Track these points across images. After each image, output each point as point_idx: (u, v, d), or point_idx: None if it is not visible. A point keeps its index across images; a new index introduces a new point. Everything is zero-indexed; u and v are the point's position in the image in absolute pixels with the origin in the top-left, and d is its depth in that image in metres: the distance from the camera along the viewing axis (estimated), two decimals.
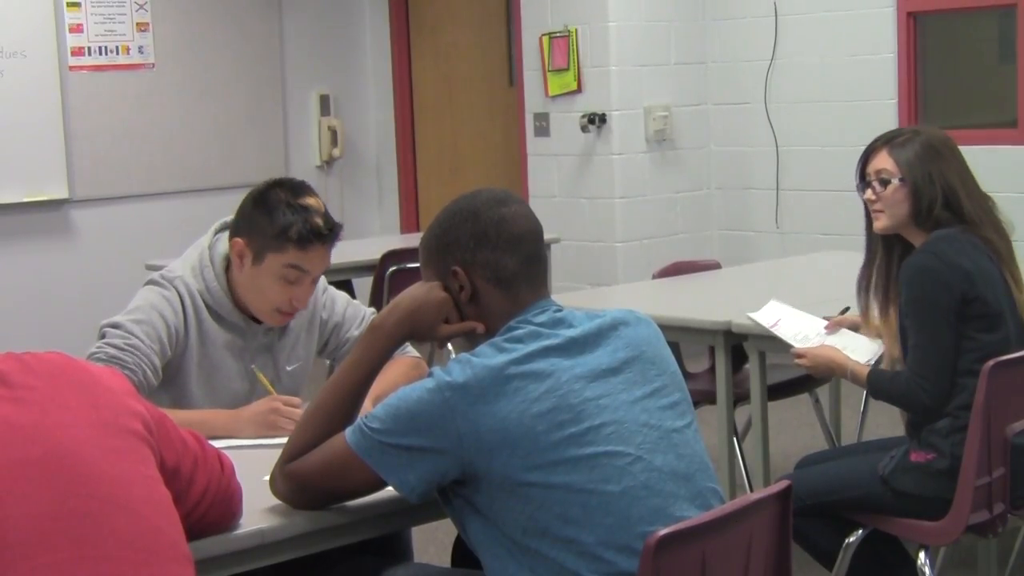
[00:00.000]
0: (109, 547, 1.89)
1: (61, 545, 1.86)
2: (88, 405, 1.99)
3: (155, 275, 3.24)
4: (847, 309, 3.90)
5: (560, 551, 2.26)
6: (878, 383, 3.46)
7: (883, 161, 3.49)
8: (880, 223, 3.51)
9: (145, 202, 8.17)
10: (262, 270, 3.15)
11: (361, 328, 3.38)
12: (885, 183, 3.47)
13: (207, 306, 3.21)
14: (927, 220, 3.43)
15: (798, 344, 3.79)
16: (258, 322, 3.27)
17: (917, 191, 3.43)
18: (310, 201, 3.17)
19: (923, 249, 3.38)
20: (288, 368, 3.34)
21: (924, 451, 3.37)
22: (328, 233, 3.15)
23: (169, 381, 3.19)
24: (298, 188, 3.19)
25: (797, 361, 3.74)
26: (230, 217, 3.27)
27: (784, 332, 3.89)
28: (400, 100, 9.06)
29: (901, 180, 3.45)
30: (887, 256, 3.57)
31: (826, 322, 3.84)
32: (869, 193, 3.51)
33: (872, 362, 3.58)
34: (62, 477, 1.90)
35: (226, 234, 3.25)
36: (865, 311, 3.64)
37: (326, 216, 3.17)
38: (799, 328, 3.89)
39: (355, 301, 3.48)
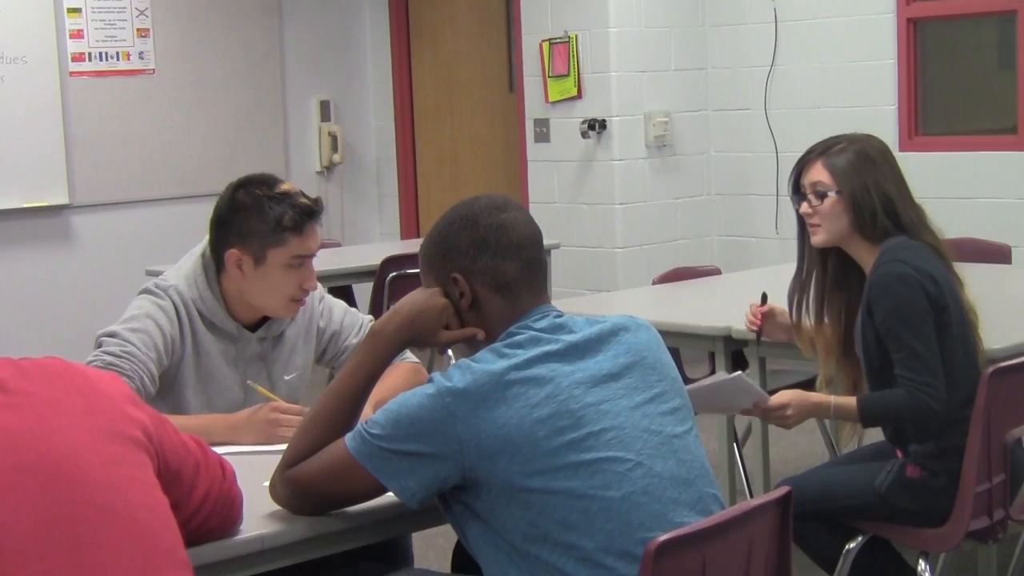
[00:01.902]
0: (106, 554, 1.89)
1: (57, 553, 1.85)
2: (85, 411, 1.98)
3: (149, 284, 3.24)
4: (765, 296, 3.81)
5: (560, 557, 2.26)
6: (873, 406, 3.31)
7: (818, 173, 3.42)
8: (818, 238, 3.44)
9: (145, 208, 8.17)
10: (267, 268, 3.14)
11: (359, 336, 3.37)
12: (822, 196, 3.40)
13: (201, 315, 3.21)
14: (873, 230, 3.36)
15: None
16: (252, 331, 3.27)
17: (855, 203, 3.36)
18: (285, 187, 3.18)
19: (888, 258, 3.31)
20: (285, 378, 3.33)
21: (920, 468, 3.35)
22: (317, 208, 3.18)
23: (166, 390, 3.18)
24: (267, 180, 3.19)
25: (779, 414, 3.35)
26: None
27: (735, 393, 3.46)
28: (400, 106, 9.06)
29: (838, 192, 3.38)
30: (822, 268, 3.51)
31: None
32: (805, 206, 3.44)
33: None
34: (58, 484, 1.89)
35: None
36: (798, 323, 3.57)
37: (305, 194, 3.20)
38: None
39: (352, 309, 3.47)
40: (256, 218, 3.12)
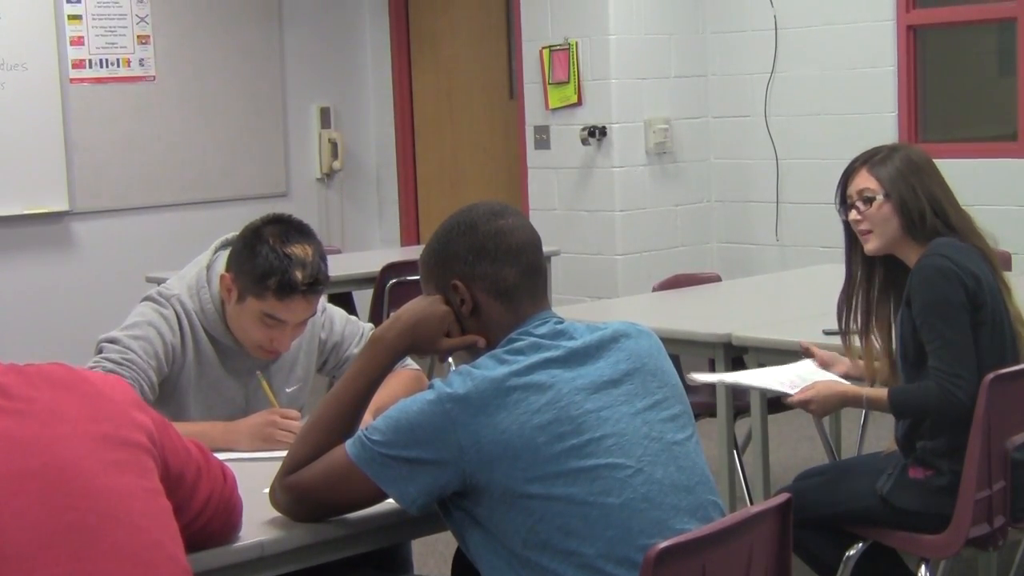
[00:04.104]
0: (108, 561, 1.89)
1: (59, 559, 1.86)
2: (89, 417, 1.98)
3: (152, 292, 3.23)
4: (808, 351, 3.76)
5: (560, 563, 2.25)
6: (904, 398, 3.33)
7: (864, 180, 3.44)
8: (871, 244, 3.44)
9: (145, 214, 8.17)
10: (243, 309, 3.12)
11: (360, 345, 3.36)
12: (869, 201, 3.41)
13: (203, 326, 3.20)
14: (922, 231, 3.38)
15: (793, 390, 3.51)
16: None
17: (904, 205, 3.38)
18: (296, 249, 3.08)
19: (930, 253, 3.33)
20: (287, 390, 3.33)
21: (923, 468, 3.36)
22: (307, 288, 3.07)
23: (167, 398, 3.18)
24: (289, 231, 3.11)
25: (804, 409, 3.49)
26: (232, 234, 3.25)
27: (770, 381, 3.63)
28: (400, 112, 9.07)
29: (886, 196, 3.40)
30: (867, 279, 3.52)
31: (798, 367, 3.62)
32: (853, 214, 3.45)
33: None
34: (61, 490, 1.89)
35: (226, 253, 3.23)
36: (846, 335, 3.56)
37: (310, 266, 3.08)
38: (780, 376, 3.62)
39: (353, 318, 3.46)
40: (249, 260, 3.09)
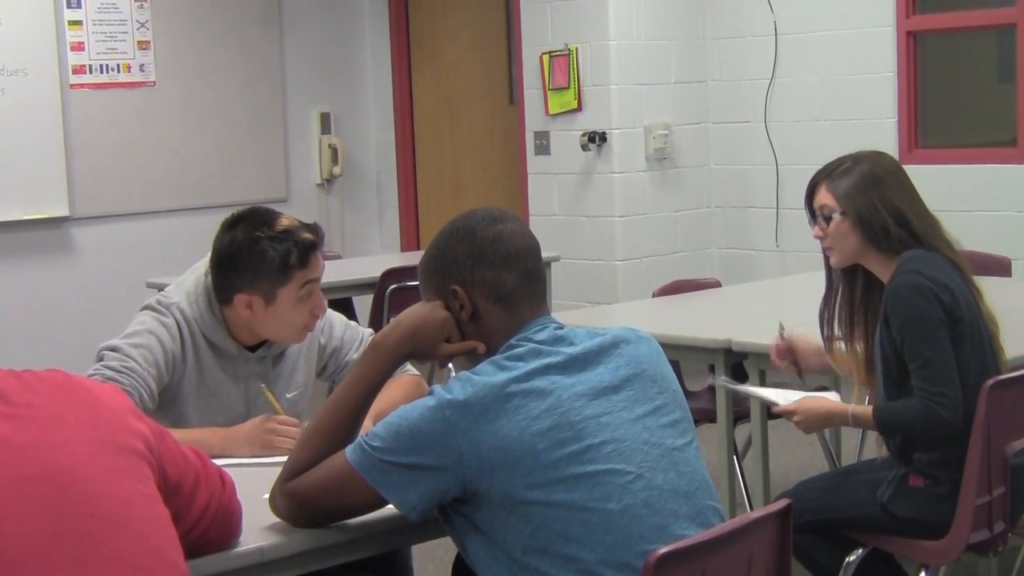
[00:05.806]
0: (108, 566, 1.89)
1: (60, 564, 1.86)
2: (87, 423, 1.99)
3: (152, 300, 3.23)
4: (782, 327, 3.76)
5: (561, 569, 2.25)
6: (888, 416, 3.34)
7: (823, 196, 3.45)
8: (833, 259, 3.47)
9: (145, 220, 8.18)
10: (279, 306, 3.13)
11: (359, 350, 3.36)
12: (828, 218, 3.43)
13: (202, 333, 3.21)
14: (887, 243, 3.38)
15: (782, 400, 3.55)
16: (252, 350, 3.27)
17: (862, 220, 3.38)
18: (285, 222, 3.15)
19: (902, 270, 3.33)
20: (288, 395, 3.33)
21: (923, 477, 3.36)
22: (319, 239, 3.17)
23: (167, 406, 3.18)
24: (265, 219, 3.15)
25: (789, 419, 3.52)
26: None
27: (762, 391, 3.71)
28: (400, 118, 9.08)
29: (842, 214, 3.40)
30: (849, 286, 3.52)
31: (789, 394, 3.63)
32: (816, 230, 3.48)
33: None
34: (61, 496, 1.89)
35: None
36: (829, 342, 3.57)
37: (306, 226, 3.18)
38: (780, 395, 3.65)
39: (352, 323, 3.47)
40: (260, 262, 3.10)
